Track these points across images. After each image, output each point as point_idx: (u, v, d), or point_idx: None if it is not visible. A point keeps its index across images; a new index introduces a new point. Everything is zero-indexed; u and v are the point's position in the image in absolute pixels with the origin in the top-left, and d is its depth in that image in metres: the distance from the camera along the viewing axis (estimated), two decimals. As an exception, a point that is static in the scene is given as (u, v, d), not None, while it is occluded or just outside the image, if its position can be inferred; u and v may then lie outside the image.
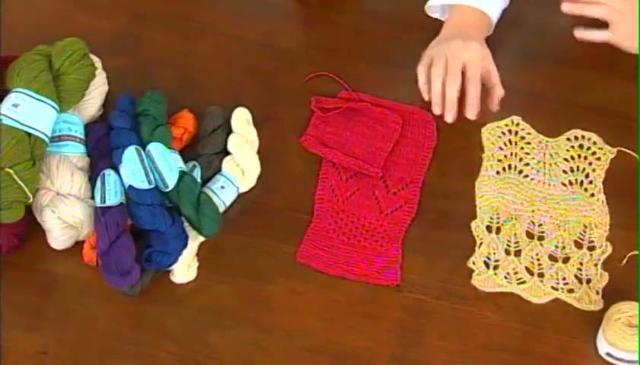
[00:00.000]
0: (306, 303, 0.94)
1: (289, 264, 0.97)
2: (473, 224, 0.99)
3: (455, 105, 1.03)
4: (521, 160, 1.04)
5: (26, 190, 0.93)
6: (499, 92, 1.05)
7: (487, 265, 0.97)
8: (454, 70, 1.02)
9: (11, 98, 0.95)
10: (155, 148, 0.98)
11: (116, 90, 1.06)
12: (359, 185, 1.03)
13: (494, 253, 0.97)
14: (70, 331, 0.92)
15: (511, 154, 1.05)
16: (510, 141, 1.06)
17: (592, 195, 1.02)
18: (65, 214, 0.94)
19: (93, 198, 0.96)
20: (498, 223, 1.00)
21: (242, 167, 1.02)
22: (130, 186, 0.96)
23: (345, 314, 0.94)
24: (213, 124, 1.03)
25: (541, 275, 0.96)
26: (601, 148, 1.05)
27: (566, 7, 1.02)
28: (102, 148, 1.00)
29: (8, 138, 0.92)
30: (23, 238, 0.96)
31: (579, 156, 1.05)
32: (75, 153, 0.99)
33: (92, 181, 0.98)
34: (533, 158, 1.04)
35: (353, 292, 0.95)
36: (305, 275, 0.96)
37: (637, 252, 0.96)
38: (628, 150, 1.04)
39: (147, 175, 0.96)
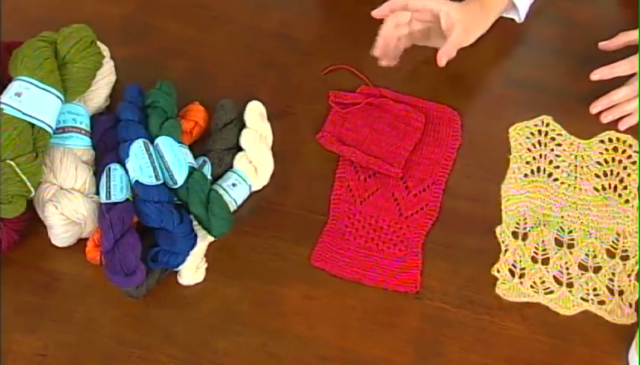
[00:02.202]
0: (320, 309, 0.94)
1: (302, 267, 0.96)
2: (498, 229, 0.99)
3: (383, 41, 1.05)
4: (550, 162, 1.04)
5: (28, 184, 0.93)
6: (445, 50, 1.03)
7: (512, 273, 0.96)
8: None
9: (14, 86, 0.95)
10: (164, 142, 0.98)
11: (124, 80, 1.06)
12: (378, 185, 1.02)
13: (520, 261, 0.97)
14: (70, 333, 0.92)
15: (541, 156, 1.04)
16: (539, 142, 1.05)
17: (626, 201, 1.01)
18: (68, 209, 0.94)
19: (97, 193, 0.96)
20: (525, 229, 0.99)
21: (254, 164, 1.01)
22: (137, 182, 0.95)
23: (360, 321, 0.93)
24: (225, 118, 1.03)
25: (570, 285, 0.95)
26: (637, 151, 1.04)
27: (596, 76, 1.04)
28: (108, 141, 1.00)
29: (10, 129, 0.92)
30: (24, 234, 0.97)
31: (613, 159, 1.04)
32: (80, 145, 0.99)
33: (97, 175, 0.98)
34: (564, 161, 1.04)
35: (370, 298, 0.95)
36: (319, 279, 0.96)
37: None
38: (665, 155, 1.04)
39: (154, 170, 0.96)
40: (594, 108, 1.06)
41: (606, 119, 1.06)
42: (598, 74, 1.04)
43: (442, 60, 1.04)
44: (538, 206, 1.01)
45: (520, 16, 1.10)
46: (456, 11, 1.03)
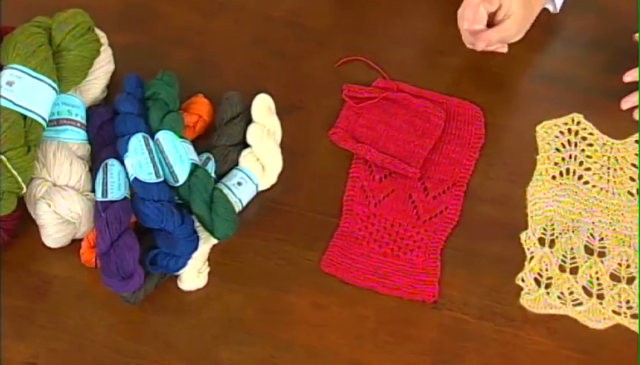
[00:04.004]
0: (330, 318, 0.94)
1: (311, 273, 0.96)
2: (523, 235, 0.99)
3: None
4: (581, 163, 1.03)
5: (20, 179, 0.93)
6: (487, 34, 1.04)
7: (538, 283, 0.96)
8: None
9: (5, 75, 0.95)
10: (165, 137, 0.98)
11: (123, 69, 1.06)
12: (394, 186, 1.02)
13: (546, 269, 0.97)
14: (63, 341, 0.92)
15: (570, 157, 1.04)
16: (569, 142, 1.05)
17: (663, 206, 1.01)
18: (62, 208, 0.94)
19: (93, 191, 0.96)
20: (552, 235, 0.99)
21: (262, 162, 1.01)
22: (135, 179, 0.96)
23: (374, 332, 0.93)
24: (231, 112, 1.03)
25: (601, 297, 0.95)
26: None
27: (626, 106, 1.07)
28: (105, 135, 1.00)
29: (1, 121, 0.92)
30: (14, 234, 0.97)
31: (649, 161, 1.04)
32: (75, 139, 0.99)
33: (93, 172, 0.98)
34: (596, 162, 1.03)
35: (384, 307, 0.95)
36: (330, 286, 0.96)
37: None
38: None
39: (154, 167, 0.96)
40: (625, 103, 1.06)
41: (638, 116, 1.06)
42: (631, 77, 1.05)
43: (480, 44, 1.04)
44: (567, 211, 1.00)
45: (556, 6, 1.10)
46: (516, 3, 1.04)
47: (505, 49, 1.07)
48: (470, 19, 1.04)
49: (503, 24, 1.04)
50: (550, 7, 1.11)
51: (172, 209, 0.94)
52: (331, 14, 1.16)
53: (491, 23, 1.05)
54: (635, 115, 1.06)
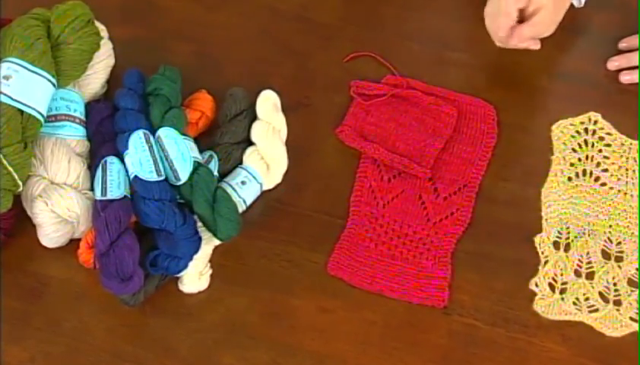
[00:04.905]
0: (336, 323, 0.94)
1: (317, 276, 0.96)
2: (537, 239, 0.98)
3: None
4: (598, 164, 1.03)
5: (16, 177, 0.93)
6: (520, 32, 1.04)
7: (553, 288, 0.96)
8: None
9: (2, 69, 0.95)
10: (166, 134, 0.98)
11: (124, 64, 1.07)
12: (404, 187, 1.02)
13: (561, 274, 0.96)
14: (60, 344, 0.92)
15: (587, 158, 1.03)
16: (586, 142, 1.05)
17: (683, 209, 1.00)
18: (59, 206, 0.94)
19: (92, 189, 0.96)
20: (567, 238, 0.99)
21: (266, 160, 1.01)
22: (135, 177, 0.96)
23: (381, 338, 0.93)
24: (235, 108, 1.03)
25: (618, 303, 0.95)
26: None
27: (612, 65, 1.09)
28: (105, 132, 1.00)
29: (-3, 116, 0.93)
30: (10, 233, 0.97)
31: (669, 162, 1.03)
32: (74, 136, 0.99)
33: (92, 169, 0.98)
34: (614, 163, 1.03)
35: (392, 312, 0.95)
36: (336, 290, 0.96)
37: None
38: None
39: (155, 165, 0.96)
40: (614, 61, 1.08)
41: (624, 78, 1.07)
42: (626, 43, 1.06)
43: (512, 41, 1.04)
44: (583, 213, 1.00)
45: (580, 0, 1.10)
46: None
47: (537, 46, 1.06)
48: (494, 15, 1.03)
49: (535, 18, 1.03)
50: (575, 2, 1.11)
51: (173, 209, 0.94)
52: (340, 8, 1.16)
53: (521, 19, 1.04)
54: (621, 77, 1.07)
